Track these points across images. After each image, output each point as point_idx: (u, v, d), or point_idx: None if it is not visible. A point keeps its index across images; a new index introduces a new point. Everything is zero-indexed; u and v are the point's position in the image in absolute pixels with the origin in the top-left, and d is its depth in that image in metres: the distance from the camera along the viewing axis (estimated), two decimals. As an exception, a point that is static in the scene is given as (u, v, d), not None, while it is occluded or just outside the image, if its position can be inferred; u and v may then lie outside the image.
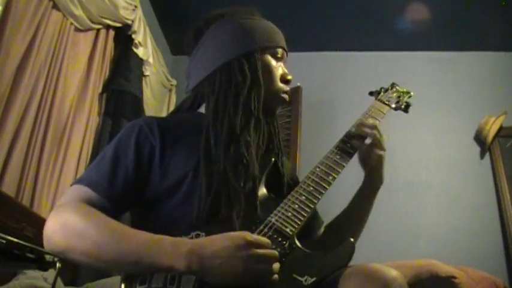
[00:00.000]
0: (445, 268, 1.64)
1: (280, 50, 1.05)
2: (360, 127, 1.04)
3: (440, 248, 2.59)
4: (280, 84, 1.04)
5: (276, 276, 0.73)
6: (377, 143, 1.02)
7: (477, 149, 2.98)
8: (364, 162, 1.05)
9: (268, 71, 1.02)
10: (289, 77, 1.05)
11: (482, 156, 2.96)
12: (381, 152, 1.02)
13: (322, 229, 1.12)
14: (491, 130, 2.87)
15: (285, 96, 1.05)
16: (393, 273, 0.68)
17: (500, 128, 2.91)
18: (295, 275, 0.75)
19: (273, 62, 1.04)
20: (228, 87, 0.97)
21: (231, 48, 1.00)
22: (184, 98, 1.09)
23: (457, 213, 2.77)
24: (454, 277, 1.60)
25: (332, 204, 1.16)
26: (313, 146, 2.81)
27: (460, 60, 3.20)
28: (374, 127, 1.03)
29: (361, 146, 1.03)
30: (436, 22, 2.94)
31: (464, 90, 3.11)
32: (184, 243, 0.73)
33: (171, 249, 0.72)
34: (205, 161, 0.89)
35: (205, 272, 0.71)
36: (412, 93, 1.20)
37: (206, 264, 0.70)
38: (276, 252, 0.74)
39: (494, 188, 2.83)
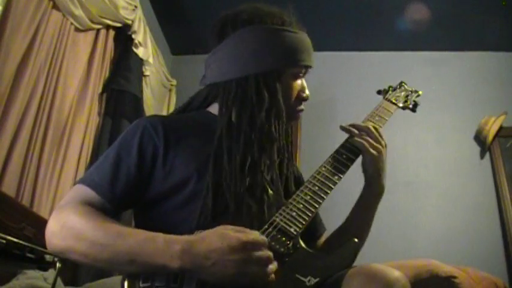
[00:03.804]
0: (445, 268, 1.63)
1: (304, 70, 1.01)
2: (354, 138, 1.00)
3: (440, 248, 2.59)
4: (295, 103, 1.00)
5: (272, 276, 0.72)
6: (371, 147, 0.98)
7: (477, 148, 2.98)
8: (363, 167, 1.01)
9: (286, 91, 0.97)
10: (305, 95, 1.01)
11: (482, 156, 2.96)
12: (375, 156, 0.97)
13: (322, 239, 1.09)
14: (491, 130, 2.88)
15: (298, 114, 1.02)
16: (396, 274, 0.68)
17: (500, 128, 2.91)
18: (298, 275, 0.74)
19: (293, 82, 0.99)
20: (242, 103, 0.93)
21: (251, 62, 0.95)
22: (197, 92, 1.06)
23: (457, 213, 2.77)
24: (454, 277, 1.59)
25: (335, 208, 1.15)
26: (313, 146, 2.82)
27: (460, 60, 3.20)
28: (366, 132, 1.00)
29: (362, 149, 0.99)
30: (436, 22, 2.94)
31: (464, 90, 3.11)
32: (178, 241, 0.73)
33: (164, 247, 0.72)
34: (214, 165, 0.87)
35: (198, 271, 0.70)
36: (420, 92, 1.18)
37: (198, 263, 0.70)
38: (271, 254, 0.73)
39: (494, 188, 2.83)
